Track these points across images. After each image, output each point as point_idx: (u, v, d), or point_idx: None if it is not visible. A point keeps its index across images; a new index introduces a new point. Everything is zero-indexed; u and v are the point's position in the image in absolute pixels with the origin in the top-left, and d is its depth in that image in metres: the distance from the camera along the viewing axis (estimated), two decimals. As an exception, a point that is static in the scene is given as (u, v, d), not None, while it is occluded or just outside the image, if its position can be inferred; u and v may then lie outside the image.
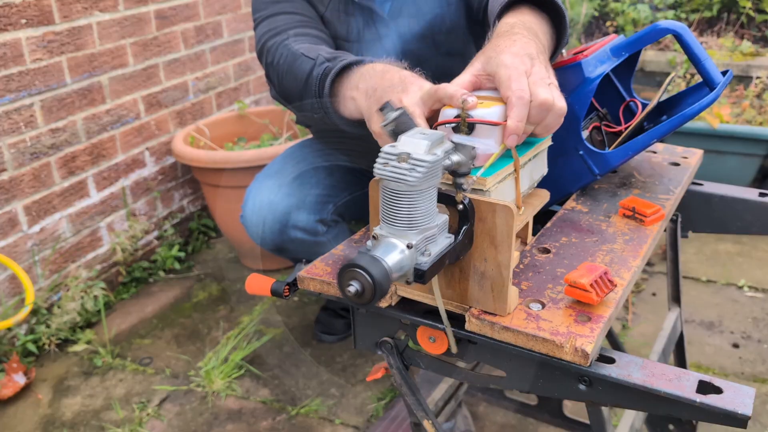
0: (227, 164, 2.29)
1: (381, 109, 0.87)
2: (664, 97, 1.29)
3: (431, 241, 0.76)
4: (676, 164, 1.30)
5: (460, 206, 0.79)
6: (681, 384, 0.76)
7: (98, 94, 2.26)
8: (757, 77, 3.01)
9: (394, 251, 0.73)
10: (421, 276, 0.75)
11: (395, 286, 0.91)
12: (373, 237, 0.76)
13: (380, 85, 1.01)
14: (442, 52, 1.51)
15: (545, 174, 1.07)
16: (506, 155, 0.93)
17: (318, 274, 0.96)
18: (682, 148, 1.39)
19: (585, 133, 1.19)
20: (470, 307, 0.86)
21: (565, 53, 1.19)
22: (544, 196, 1.06)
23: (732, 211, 1.28)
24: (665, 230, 1.37)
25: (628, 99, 1.29)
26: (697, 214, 1.33)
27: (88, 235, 2.31)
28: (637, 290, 2.31)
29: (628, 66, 1.28)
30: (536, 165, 1.03)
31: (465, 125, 0.87)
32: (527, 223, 1.02)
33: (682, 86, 2.97)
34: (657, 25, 1.12)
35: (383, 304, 0.91)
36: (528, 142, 0.99)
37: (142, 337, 2.17)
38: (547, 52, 1.05)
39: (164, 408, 1.85)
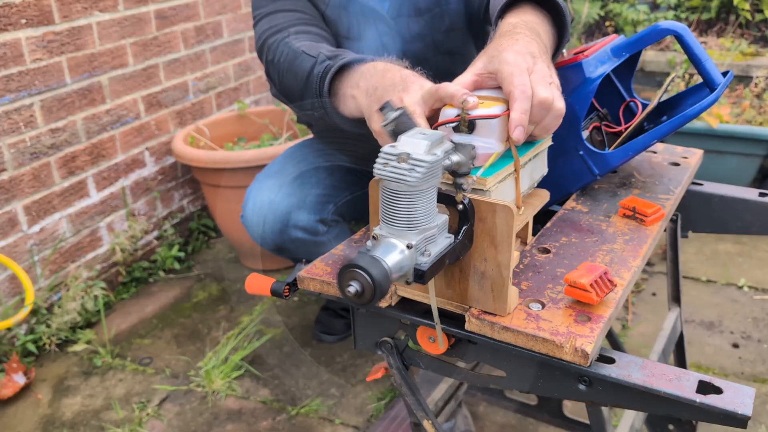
0: (227, 164, 2.29)
1: (381, 109, 0.87)
2: (665, 97, 1.29)
3: (431, 241, 0.76)
4: (676, 164, 1.30)
5: (460, 206, 0.79)
6: (681, 384, 0.76)
7: (98, 94, 2.26)
8: (757, 77, 3.01)
9: (393, 251, 0.73)
10: (421, 276, 0.75)
11: (395, 286, 0.91)
12: (373, 237, 0.76)
13: (381, 84, 1.01)
14: (442, 51, 1.51)
15: (545, 174, 1.07)
16: (506, 155, 0.93)
17: (318, 274, 0.96)
18: (682, 148, 1.39)
19: (585, 133, 1.19)
20: (470, 307, 0.86)
21: (566, 53, 1.20)
22: (544, 196, 1.06)
23: (732, 211, 1.28)
24: (665, 230, 1.37)
25: (628, 99, 1.29)
26: (697, 214, 1.33)
27: (88, 235, 2.31)
28: (637, 290, 2.31)
29: (628, 66, 1.28)
30: (536, 165, 1.03)
31: (465, 125, 0.87)
32: (527, 223, 1.01)
33: (682, 86, 2.97)
34: (658, 26, 1.12)
35: (383, 304, 0.91)
36: (528, 142, 0.99)
37: (142, 337, 2.17)
38: (549, 51, 1.05)
39: (164, 408, 1.85)
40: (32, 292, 1.90)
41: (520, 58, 0.91)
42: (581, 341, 0.78)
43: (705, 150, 1.46)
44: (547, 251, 0.99)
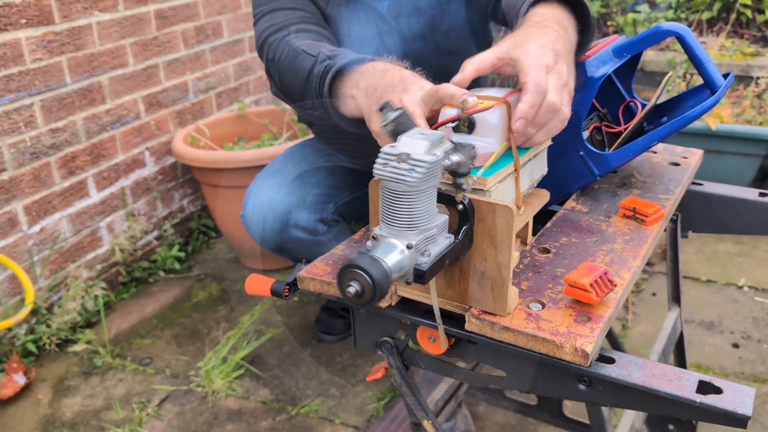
0: (227, 164, 2.29)
1: (381, 109, 0.87)
2: (665, 97, 1.29)
3: (431, 242, 0.76)
4: (676, 164, 1.30)
5: (460, 206, 0.79)
6: (681, 384, 0.76)
7: (98, 94, 2.26)
8: (758, 77, 3.01)
9: (393, 252, 0.73)
10: (420, 276, 0.75)
11: (395, 286, 0.91)
12: (373, 237, 0.76)
13: (380, 84, 1.01)
14: (442, 51, 1.51)
15: (545, 174, 1.07)
16: (506, 155, 0.93)
17: (318, 274, 0.96)
18: (682, 148, 1.39)
19: (585, 134, 1.19)
20: (470, 307, 0.86)
21: None
22: (544, 196, 1.06)
23: (732, 211, 1.28)
24: (665, 230, 1.37)
25: (628, 99, 1.29)
26: (697, 214, 1.33)
27: (88, 235, 2.31)
28: (637, 290, 2.31)
29: (628, 66, 1.28)
30: (536, 165, 1.03)
31: (465, 125, 0.87)
32: (527, 223, 1.02)
33: (682, 86, 2.97)
34: (659, 27, 1.13)
35: (383, 304, 0.91)
36: None
37: (142, 337, 2.17)
38: (573, 50, 1.04)
39: (164, 408, 1.85)
40: (32, 292, 1.90)
41: (543, 52, 0.91)
42: (581, 341, 0.78)
43: (705, 150, 1.46)
44: (547, 251, 0.99)
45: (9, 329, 2.03)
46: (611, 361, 0.81)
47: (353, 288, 0.70)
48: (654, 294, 2.28)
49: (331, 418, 1.78)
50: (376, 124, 0.99)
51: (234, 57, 2.88)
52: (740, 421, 0.72)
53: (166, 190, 2.62)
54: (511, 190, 0.95)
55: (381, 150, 0.74)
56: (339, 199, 1.65)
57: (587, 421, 1.28)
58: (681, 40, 1.14)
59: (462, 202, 0.79)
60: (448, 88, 0.91)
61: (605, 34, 3.62)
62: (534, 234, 1.06)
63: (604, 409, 0.97)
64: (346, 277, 0.71)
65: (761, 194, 1.27)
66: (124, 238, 2.41)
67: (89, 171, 2.28)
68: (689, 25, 3.59)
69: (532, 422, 1.70)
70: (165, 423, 1.79)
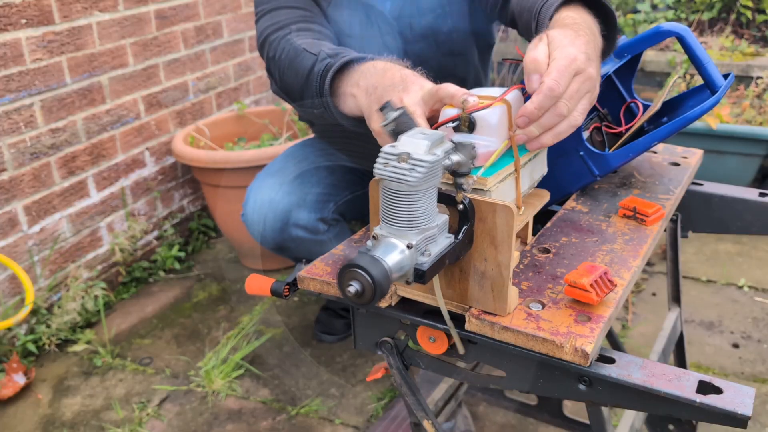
0: (227, 164, 2.29)
1: (381, 109, 0.87)
2: (665, 97, 1.29)
3: (431, 241, 0.76)
4: (676, 164, 1.31)
5: (460, 206, 0.79)
6: (681, 384, 0.76)
7: (98, 94, 2.26)
8: (758, 77, 3.01)
9: (394, 251, 0.73)
10: (421, 276, 0.75)
11: (395, 286, 0.91)
12: (373, 237, 0.76)
13: (381, 83, 1.01)
14: (444, 52, 1.51)
15: (545, 174, 1.07)
16: (507, 155, 0.93)
17: (318, 274, 0.96)
18: (682, 148, 1.39)
19: (586, 134, 1.19)
20: (470, 307, 0.86)
21: None
22: (544, 196, 1.06)
23: (732, 211, 1.28)
24: (665, 230, 1.37)
25: (629, 100, 1.29)
26: (697, 214, 1.33)
27: (88, 235, 2.31)
28: (637, 290, 2.31)
29: (629, 67, 1.28)
30: (536, 165, 1.03)
31: (466, 124, 0.87)
32: (527, 223, 1.02)
33: (682, 86, 2.97)
34: (660, 27, 1.12)
35: (383, 304, 0.91)
36: None
37: (142, 337, 2.17)
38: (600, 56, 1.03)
39: (164, 408, 1.85)
40: (32, 292, 1.90)
41: (577, 53, 0.89)
42: (581, 341, 0.78)
43: (705, 150, 1.46)
44: (547, 251, 0.99)
45: (9, 329, 2.03)
46: (611, 361, 0.81)
47: (353, 288, 0.70)
48: (654, 294, 2.28)
49: (331, 418, 1.78)
50: (376, 124, 0.99)
51: (234, 57, 2.88)
52: (740, 421, 0.72)
53: (166, 190, 2.62)
54: (511, 190, 0.95)
55: (381, 149, 0.74)
56: (339, 198, 1.65)
57: (587, 421, 1.28)
58: (681, 40, 1.14)
59: (462, 202, 0.79)
60: (449, 87, 0.91)
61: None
62: (534, 234, 1.06)
63: (604, 409, 0.97)
64: (347, 276, 0.71)
65: (761, 194, 1.27)
66: (124, 238, 2.41)
67: (89, 171, 2.28)
68: (689, 25, 3.59)
69: (532, 422, 1.70)
70: (165, 423, 1.79)
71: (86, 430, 1.79)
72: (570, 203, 1.15)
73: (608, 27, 1.08)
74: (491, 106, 0.89)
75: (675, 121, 1.09)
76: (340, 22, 1.45)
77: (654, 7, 3.65)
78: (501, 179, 0.90)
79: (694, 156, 1.35)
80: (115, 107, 2.34)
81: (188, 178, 2.71)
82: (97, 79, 2.25)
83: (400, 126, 0.83)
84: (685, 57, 3.08)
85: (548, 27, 1.01)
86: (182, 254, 2.59)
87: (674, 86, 2.97)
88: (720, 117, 2.69)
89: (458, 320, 0.87)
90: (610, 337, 1.69)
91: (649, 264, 2.47)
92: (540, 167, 1.05)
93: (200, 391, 1.90)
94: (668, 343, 1.40)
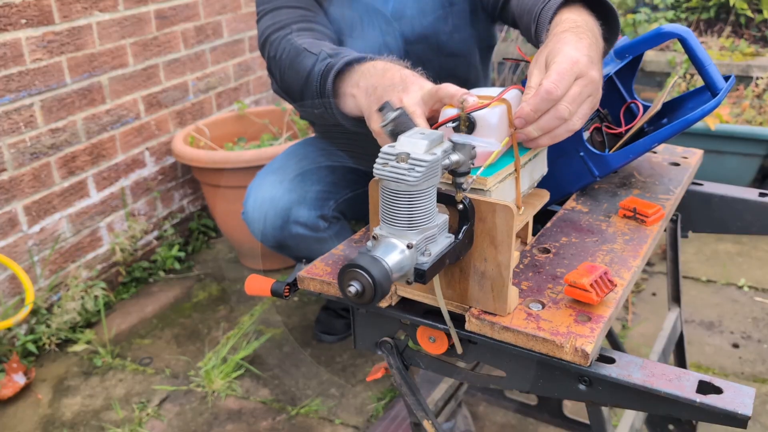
0: (227, 164, 2.29)
1: (380, 109, 0.87)
2: (666, 98, 1.29)
3: (431, 241, 0.76)
4: (676, 164, 1.31)
5: (460, 206, 0.79)
6: (681, 384, 0.76)
7: (98, 94, 2.26)
8: (758, 77, 3.01)
9: (394, 251, 0.73)
10: (421, 276, 0.75)
11: (395, 286, 0.91)
12: (373, 237, 0.76)
13: (380, 83, 1.01)
14: (445, 53, 1.51)
15: (545, 174, 1.07)
16: (507, 155, 0.93)
17: (318, 274, 0.96)
18: (682, 148, 1.39)
19: (586, 134, 1.19)
20: (470, 307, 0.86)
21: None
22: (544, 196, 1.06)
23: (732, 211, 1.28)
24: (665, 230, 1.37)
25: (629, 100, 1.29)
26: (697, 214, 1.33)
27: (88, 235, 2.31)
28: (637, 290, 2.31)
29: (630, 67, 1.28)
30: (536, 165, 1.03)
31: (465, 124, 0.87)
32: (527, 223, 1.02)
33: (683, 87, 2.97)
34: (661, 29, 1.13)
35: (383, 304, 0.91)
36: None
37: (142, 337, 2.17)
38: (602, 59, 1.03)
39: (164, 408, 1.85)
40: (32, 292, 1.90)
41: (579, 55, 0.89)
42: (581, 341, 0.78)
43: (705, 150, 1.46)
44: (547, 251, 0.99)
45: (9, 329, 2.03)
46: (611, 361, 0.81)
47: (354, 288, 0.70)
48: (654, 294, 2.28)
49: (331, 418, 1.78)
50: (375, 124, 0.99)
51: (234, 57, 2.88)
52: (740, 421, 0.72)
53: (166, 190, 2.62)
54: (511, 190, 0.95)
55: (381, 150, 0.74)
56: (340, 196, 1.65)
57: (587, 421, 1.28)
58: (683, 42, 1.14)
59: (462, 202, 0.79)
60: (448, 87, 0.91)
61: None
62: (534, 234, 1.06)
63: (604, 409, 0.97)
64: (347, 276, 0.71)
65: (761, 194, 1.27)
66: (124, 238, 2.41)
67: (89, 171, 2.28)
68: (689, 26, 3.59)
69: (532, 422, 1.70)
70: (165, 423, 1.79)
71: (86, 430, 1.79)
72: (570, 203, 1.15)
73: (609, 26, 1.08)
74: (490, 105, 0.89)
75: (675, 123, 1.09)
76: (341, 22, 1.45)
77: (654, 8, 3.65)
78: (501, 179, 0.90)
79: (694, 156, 1.35)
80: (115, 107, 2.34)
81: (188, 178, 2.71)
82: (97, 79, 2.25)
83: (399, 126, 0.83)
84: (685, 57, 3.09)
85: (548, 30, 1.01)
86: (182, 254, 2.59)
87: (674, 87, 2.97)
88: (720, 117, 2.69)
89: (458, 320, 0.87)
90: (610, 337, 1.69)
91: (649, 264, 2.47)
92: (540, 167, 1.05)
93: (200, 391, 1.90)
94: (668, 343, 1.40)
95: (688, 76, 3.05)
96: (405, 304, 0.92)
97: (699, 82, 2.93)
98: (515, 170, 0.94)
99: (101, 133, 2.30)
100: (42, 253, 2.14)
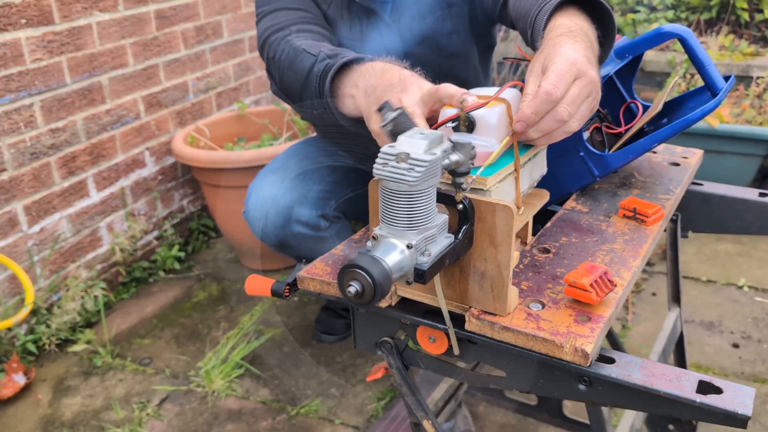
0: (227, 164, 2.29)
1: (380, 110, 0.86)
2: (666, 98, 1.29)
3: (431, 241, 0.76)
4: (676, 164, 1.30)
5: (460, 206, 0.79)
6: (681, 384, 0.76)
7: (98, 94, 2.26)
8: (758, 77, 3.01)
9: (394, 251, 0.73)
10: (421, 276, 0.75)
11: (395, 286, 0.91)
12: (373, 237, 0.76)
13: (380, 84, 1.01)
14: (444, 54, 1.51)
15: (545, 173, 1.07)
16: (506, 155, 0.93)
17: (318, 274, 0.96)
18: (682, 148, 1.39)
19: (586, 134, 1.19)
20: (470, 307, 0.86)
21: None
22: (544, 196, 1.06)
23: (732, 211, 1.28)
24: (665, 230, 1.37)
25: (629, 100, 1.29)
26: (697, 214, 1.33)
27: (88, 235, 2.31)
28: (637, 290, 2.31)
29: (630, 67, 1.28)
30: (536, 164, 1.03)
31: (465, 124, 0.87)
32: (527, 223, 1.01)
33: (683, 87, 2.97)
34: (662, 29, 1.12)
35: (383, 304, 0.91)
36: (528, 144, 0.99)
37: (142, 337, 2.17)
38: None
39: (164, 408, 1.85)
40: (32, 292, 1.90)
41: (577, 57, 0.89)
42: (581, 341, 0.78)
43: (705, 150, 1.46)
44: (547, 251, 0.99)
45: (9, 329, 2.03)
46: (611, 361, 0.81)
47: (354, 288, 0.70)
48: (654, 294, 2.28)
49: (331, 418, 1.78)
50: (375, 124, 0.99)
51: (234, 57, 2.88)
52: (740, 421, 0.72)
53: (166, 190, 2.62)
54: (511, 190, 0.95)
55: (380, 150, 0.74)
56: (341, 195, 1.65)
57: (587, 421, 1.28)
58: (683, 42, 1.14)
59: (462, 202, 0.79)
60: (448, 87, 0.91)
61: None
62: (534, 234, 1.06)
63: (604, 409, 0.97)
64: (347, 276, 0.71)
65: (761, 194, 1.27)
66: (124, 238, 2.41)
67: (89, 171, 2.28)
68: (689, 25, 3.59)
69: (532, 422, 1.70)
70: (165, 423, 1.79)
71: (86, 430, 1.79)
72: (570, 203, 1.15)
73: (605, 29, 1.07)
74: (488, 104, 0.89)
75: (675, 124, 1.09)
76: (340, 24, 1.45)
77: (653, 8, 3.65)
78: (501, 179, 0.90)
79: (694, 156, 1.35)
80: (115, 107, 2.34)
81: (188, 178, 2.71)
82: (97, 79, 2.25)
83: (399, 126, 0.83)
84: (685, 57, 3.08)
85: (543, 37, 1.01)
86: (182, 254, 2.59)
87: (674, 87, 2.97)
88: (720, 117, 2.69)
89: (458, 320, 0.87)
90: (610, 337, 1.69)
91: (649, 264, 2.47)
92: (540, 167, 1.05)
93: (200, 391, 1.90)
94: (668, 343, 1.40)
95: (688, 76, 3.05)
96: (405, 304, 0.92)
97: (699, 82, 2.93)
98: (515, 170, 0.94)
99: (101, 133, 2.30)
100: (42, 253, 2.14)
